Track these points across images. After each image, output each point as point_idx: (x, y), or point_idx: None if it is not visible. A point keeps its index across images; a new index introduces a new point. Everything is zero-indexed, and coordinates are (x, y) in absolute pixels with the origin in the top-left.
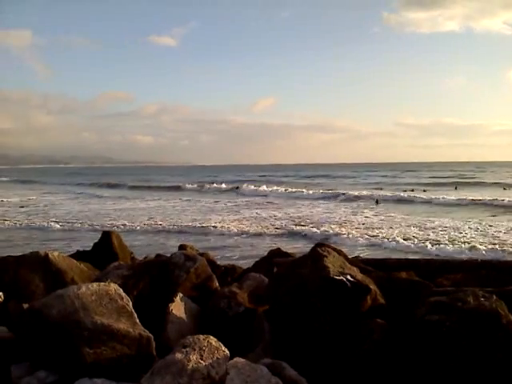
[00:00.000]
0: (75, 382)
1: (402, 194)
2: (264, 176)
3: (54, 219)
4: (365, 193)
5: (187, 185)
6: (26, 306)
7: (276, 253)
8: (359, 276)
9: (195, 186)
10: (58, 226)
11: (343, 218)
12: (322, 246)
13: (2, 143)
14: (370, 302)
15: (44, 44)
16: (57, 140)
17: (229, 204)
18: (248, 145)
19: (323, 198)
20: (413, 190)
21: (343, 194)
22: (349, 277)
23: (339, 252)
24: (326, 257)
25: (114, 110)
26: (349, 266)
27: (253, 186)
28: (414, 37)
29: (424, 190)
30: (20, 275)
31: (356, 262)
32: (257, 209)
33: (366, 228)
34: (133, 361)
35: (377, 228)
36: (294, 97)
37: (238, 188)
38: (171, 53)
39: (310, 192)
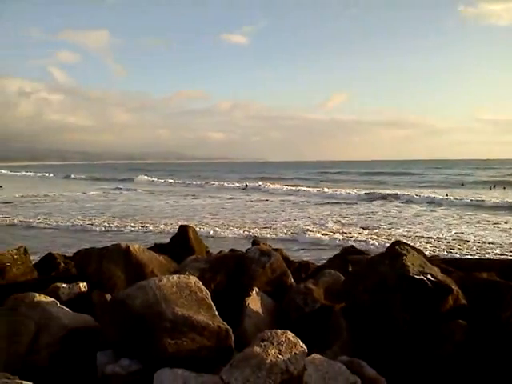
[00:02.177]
0: (157, 372)
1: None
2: (325, 173)
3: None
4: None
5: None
6: (108, 296)
7: (350, 250)
8: (440, 276)
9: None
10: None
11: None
12: (400, 244)
13: (82, 140)
14: (452, 303)
15: (120, 44)
16: (133, 137)
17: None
18: (319, 141)
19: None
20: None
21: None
22: (429, 276)
23: (418, 251)
24: (405, 255)
25: (187, 108)
26: (429, 265)
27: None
28: (492, 29)
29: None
30: (103, 267)
31: (435, 261)
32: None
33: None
34: (212, 353)
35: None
36: (367, 92)
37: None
38: (242, 50)
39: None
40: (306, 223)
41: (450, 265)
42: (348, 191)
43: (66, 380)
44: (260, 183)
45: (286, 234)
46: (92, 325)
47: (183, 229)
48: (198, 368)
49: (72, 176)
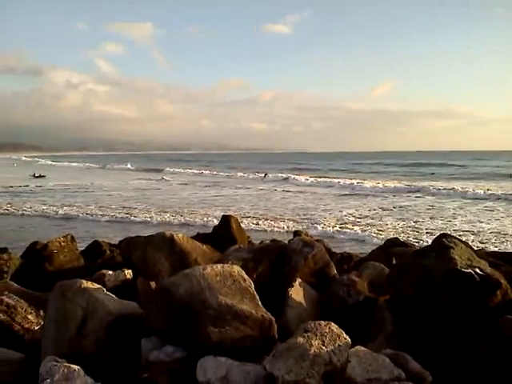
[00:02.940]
0: (200, 359)
1: None
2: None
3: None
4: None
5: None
6: (152, 283)
7: (394, 242)
8: (488, 269)
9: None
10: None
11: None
12: (447, 237)
13: (129, 130)
14: (500, 298)
15: (164, 36)
16: (177, 127)
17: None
18: (363, 131)
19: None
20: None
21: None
22: (477, 270)
23: (466, 244)
24: (453, 248)
25: (230, 98)
26: (477, 258)
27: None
28: None
29: None
30: (147, 254)
31: (483, 254)
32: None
33: None
34: (255, 342)
35: None
36: (412, 82)
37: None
38: (286, 40)
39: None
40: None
41: (498, 258)
42: (379, 183)
43: (111, 366)
44: (284, 175)
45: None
46: (137, 312)
47: (226, 218)
48: (241, 357)
49: (108, 166)
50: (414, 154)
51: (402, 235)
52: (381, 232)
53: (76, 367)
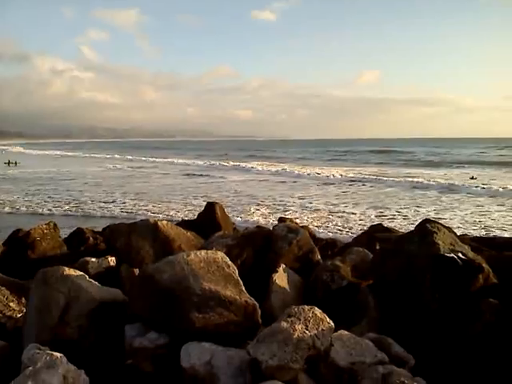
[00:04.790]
0: (184, 345)
1: None
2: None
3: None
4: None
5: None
6: (136, 270)
7: (377, 228)
8: (471, 254)
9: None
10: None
11: None
12: (430, 222)
13: (113, 117)
14: (482, 282)
15: (150, 23)
16: (163, 115)
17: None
18: (347, 119)
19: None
20: None
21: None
22: (460, 254)
23: (449, 229)
24: (436, 233)
25: (217, 86)
26: (460, 243)
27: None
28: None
29: None
30: (131, 241)
31: (466, 240)
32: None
33: None
34: (239, 327)
35: None
36: (397, 70)
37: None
38: (272, 27)
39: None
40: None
41: (480, 243)
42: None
43: (94, 352)
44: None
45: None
46: (120, 298)
47: (210, 205)
48: (225, 342)
49: (86, 154)
50: (395, 141)
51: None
52: None
53: (59, 355)
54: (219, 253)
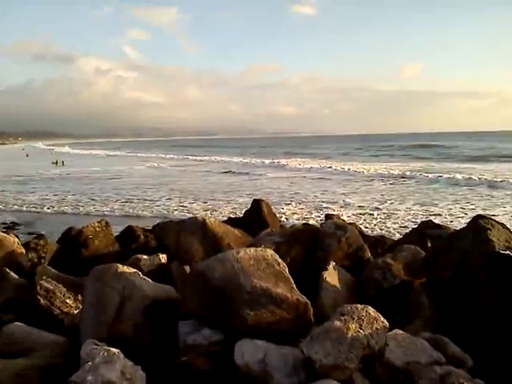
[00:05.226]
0: (237, 342)
1: None
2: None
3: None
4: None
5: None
6: (186, 267)
7: (428, 225)
8: None
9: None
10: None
11: None
12: (483, 218)
13: (157, 116)
14: None
15: (190, 20)
16: (205, 112)
17: None
18: (390, 113)
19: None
20: None
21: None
22: None
23: (503, 225)
24: (490, 229)
25: (258, 82)
26: None
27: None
28: None
29: None
30: (181, 239)
31: None
32: None
33: None
34: (291, 325)
35: None
36: (442, 63)
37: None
38: (312, 21)
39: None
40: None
41: None
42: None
43: (149, 349)
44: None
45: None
46: (173, 295)
47: (257, 203)
48: (277, 340)
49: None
50: (439, 135)
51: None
52: None
53: (115, 350)
54: (269, 250)
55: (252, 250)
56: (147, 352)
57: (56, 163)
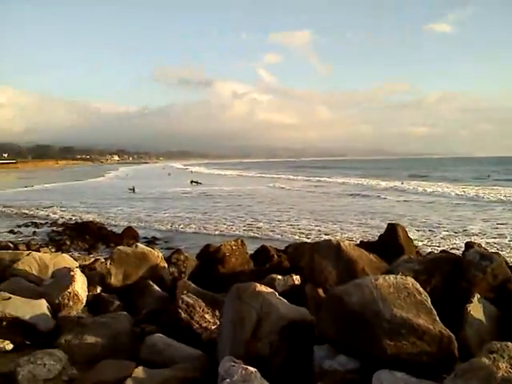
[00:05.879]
0: (376, 372)
1: None
2: None
3: None
4: None
5: None
6: (320, 290)
7: None
8: None
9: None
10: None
11: None
12: None
13: (290, 137)
14: None
15: (322, 42)
16: (335, 133)
17: None
18: None
19: None
20: None
21: None
22: None
23: None
24: None
25: (391, 102)
26: None
27: None
28: None
29: None
30: (315, 261)
31: None
32: None
33: None
34: (433, 359)
35: None
36: None
37: None
38: (448, 39)
39: None
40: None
41: None
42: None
43: (283, 369)
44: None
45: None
46: (308, 318)
47: (392, 227)
48: (417, 373)
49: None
50: None
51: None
52: None
53: (253, 369)
54: (409, 278)
55: (391, 277)
56: (282, 373)
57: (193, 182)
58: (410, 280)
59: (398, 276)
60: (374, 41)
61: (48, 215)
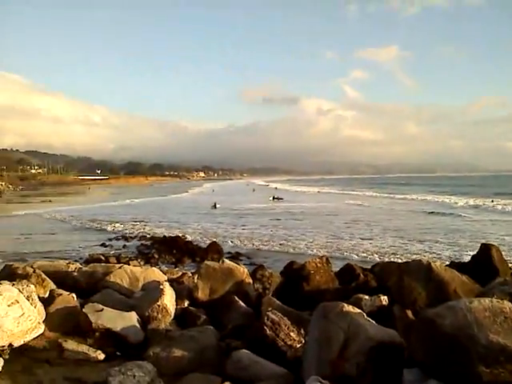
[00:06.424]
0: None
1: None
2: None
3: None
4: None
5: None
6: (408, 312)
7: None
8: None
9: None
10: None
11: None
12: None
13: (374, 153)
14: None
15: (410, 57)
16: (424, 149)
17: None
18: None
19: None
20: None
21: None
22: None
23: None
24: None
25: (483, 117)
26: None
27: None
28: None
29: None
30: (403, 281)
31: None
32: None
33: None
34: None
35: None
36: None
37: None
38: None
39: None
40: None
41: None
42: None
43: None
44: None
45: None
46: (397, 340)
47: (486, 248)
48: None
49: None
50: None
51: None
52: None
53: None
54: (506, 302)
55: (487, 300)
56: None
57: (275, 199)
58: (507, 304)
59: (494, 299)
60: (466, 54)
61: (132, 229)
